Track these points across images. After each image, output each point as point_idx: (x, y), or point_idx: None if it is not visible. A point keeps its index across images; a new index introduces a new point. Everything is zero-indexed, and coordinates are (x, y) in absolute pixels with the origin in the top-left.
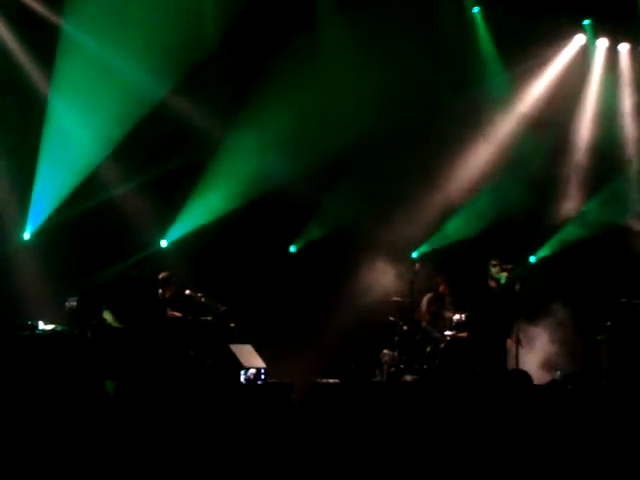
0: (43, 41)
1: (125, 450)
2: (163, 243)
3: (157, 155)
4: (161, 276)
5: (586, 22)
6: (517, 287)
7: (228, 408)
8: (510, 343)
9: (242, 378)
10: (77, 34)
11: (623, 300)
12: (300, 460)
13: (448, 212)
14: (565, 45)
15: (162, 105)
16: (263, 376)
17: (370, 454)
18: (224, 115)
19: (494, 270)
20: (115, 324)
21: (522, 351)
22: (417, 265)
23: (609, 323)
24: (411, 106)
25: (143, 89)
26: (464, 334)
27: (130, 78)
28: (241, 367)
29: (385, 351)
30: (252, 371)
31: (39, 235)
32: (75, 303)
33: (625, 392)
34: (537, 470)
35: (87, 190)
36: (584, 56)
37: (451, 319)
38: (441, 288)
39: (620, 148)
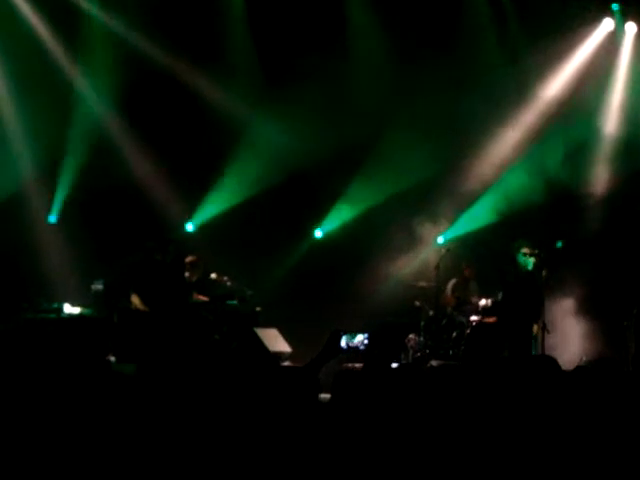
0: (72, 26)
1: (146, 435)
2: (189, 227)
3: (184, 138)
4: (188, 260)
5: (614, 6)
6: (544, 272)
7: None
8: (536, 329)
9: (344, 344)
10: (105, 19)
11: None
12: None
13: (474, 196)
14: (593, 29)
15: (190, 88)
16: (367, 341)
17: (395, 440)
18: (251, 98)
19: (523, 258)
20: (142, 308)
21: (548, 337)
22: (443, 250)
23: (636, 309)
24: (436, 90)
25: (170, 72)
26: (490, 319)
27: (157, 62)
28: (267, 351)
29: (411, 336)
30: (359, 337)
31: (66, 217)
32: (101, 286)
33: None
34: (562, 455)
35: (114, 173)
36: (612, 41)
37: (477, 304)
38: (466, 273)
39: None
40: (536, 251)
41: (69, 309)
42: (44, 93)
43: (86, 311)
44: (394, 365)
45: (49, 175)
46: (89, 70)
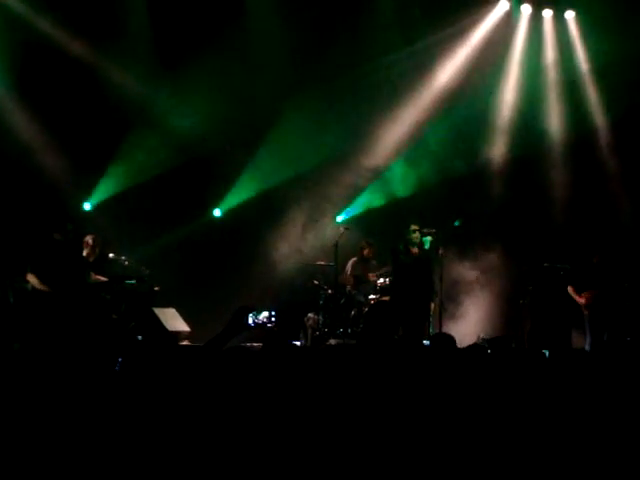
0: None
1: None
2: (87, 206)
3: (81, 115)
4: (85, 239)
5: None
6: (441, 251)
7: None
8: (434, 307)
9: (250, 321)
10: None
11: (545, 264)
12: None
13: (374, 176)
14: (489, 10)
15: (89, 67)
16: (274, 319)
17: (294, 419)
18: (151, 76)
19: (414, 235)
20: (40, 287)
21: (446, 315)
22: (341, 228)
23: (531, 287)
24: (335, 70)
25: (68, 51)
26: (388, 298)
27: (54, 40)
28: (165, 331)
29: (309, 315)
30: (265, 314)
31: None
32: None
33: (545, 355)
34: (459, 431)
35: (8, 151)
36: (508, 22)
37: (375, 283)
38: (365, 252)
39: (543, 117)
40: (432, 230)
41: None
42: None
43: None
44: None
45: None
46: None
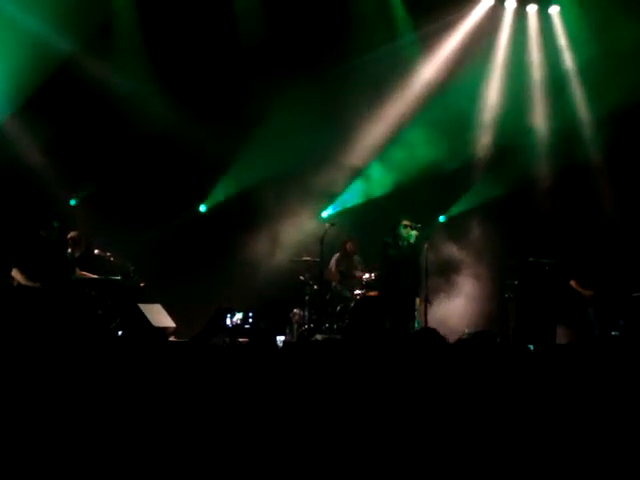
0: None
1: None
2: (72, 202)
3: (66, 111)
4: (70, 235)
5: None
6: (426, 246)
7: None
8: (419, 302)
9: (228, 321)
10: None
11: (530, 259)
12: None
13: (358, 172)
14: (473, 7)
15: (71, 62)
16: (251, 320)
17: (280, 413)
18: (135, 72)
19: (404, 231)
20: (25, 283)
21: (431, 310)
22: (327, 225)
23: (517, 282)
24: (319, 68)
25: (51, 46)
26: (374, 293)
27: (37, 34)
28: (150, 326)
29: (295, 310)
30: (239, 315)
31: None
32: None
33: (530, 350)
34: (445, 425)
35: None
36: (493, 18)
37: (361, 278)
38: (348, 246)
39: (527, 112)
40: (418, 225)
41: None
42: None
43: None
44: (280, 339)
45: None
46: None
